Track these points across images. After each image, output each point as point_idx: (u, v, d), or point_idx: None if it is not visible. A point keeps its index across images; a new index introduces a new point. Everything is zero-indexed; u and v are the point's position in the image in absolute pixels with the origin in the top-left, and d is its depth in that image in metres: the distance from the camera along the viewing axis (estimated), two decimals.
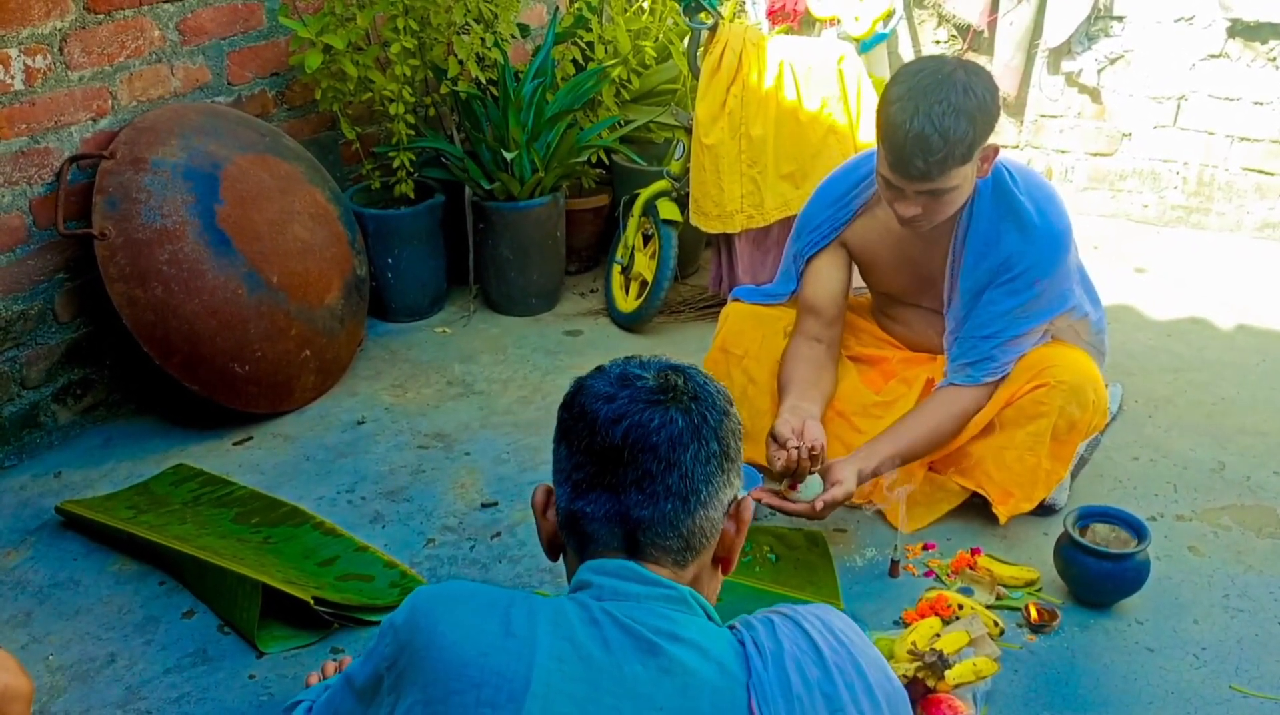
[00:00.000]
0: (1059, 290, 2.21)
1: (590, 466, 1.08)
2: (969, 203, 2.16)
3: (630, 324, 3.37)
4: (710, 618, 1.10)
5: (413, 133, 3.30)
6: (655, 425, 1.06)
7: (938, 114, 1.93)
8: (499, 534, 2.41)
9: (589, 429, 1.08)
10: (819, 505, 2.11)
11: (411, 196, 3.36)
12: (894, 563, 2.24)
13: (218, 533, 2.34)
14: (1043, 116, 4.06)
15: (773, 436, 2.14)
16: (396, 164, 3.29)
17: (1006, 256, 2.16)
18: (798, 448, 2.09)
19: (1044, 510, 2.38)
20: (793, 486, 2.14)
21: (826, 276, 2.39)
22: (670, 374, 1.11)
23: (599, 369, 1.14)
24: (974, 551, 2.26)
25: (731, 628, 1.09)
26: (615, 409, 1.07)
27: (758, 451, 2.49)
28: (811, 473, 2.12)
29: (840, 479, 2.13)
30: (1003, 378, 2.25)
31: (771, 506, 2.15)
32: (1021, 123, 4.09)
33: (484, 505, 2.50)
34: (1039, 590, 2.19)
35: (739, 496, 1.13)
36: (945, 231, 2.21)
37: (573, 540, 1.13)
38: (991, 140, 2.06)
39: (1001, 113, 4.03)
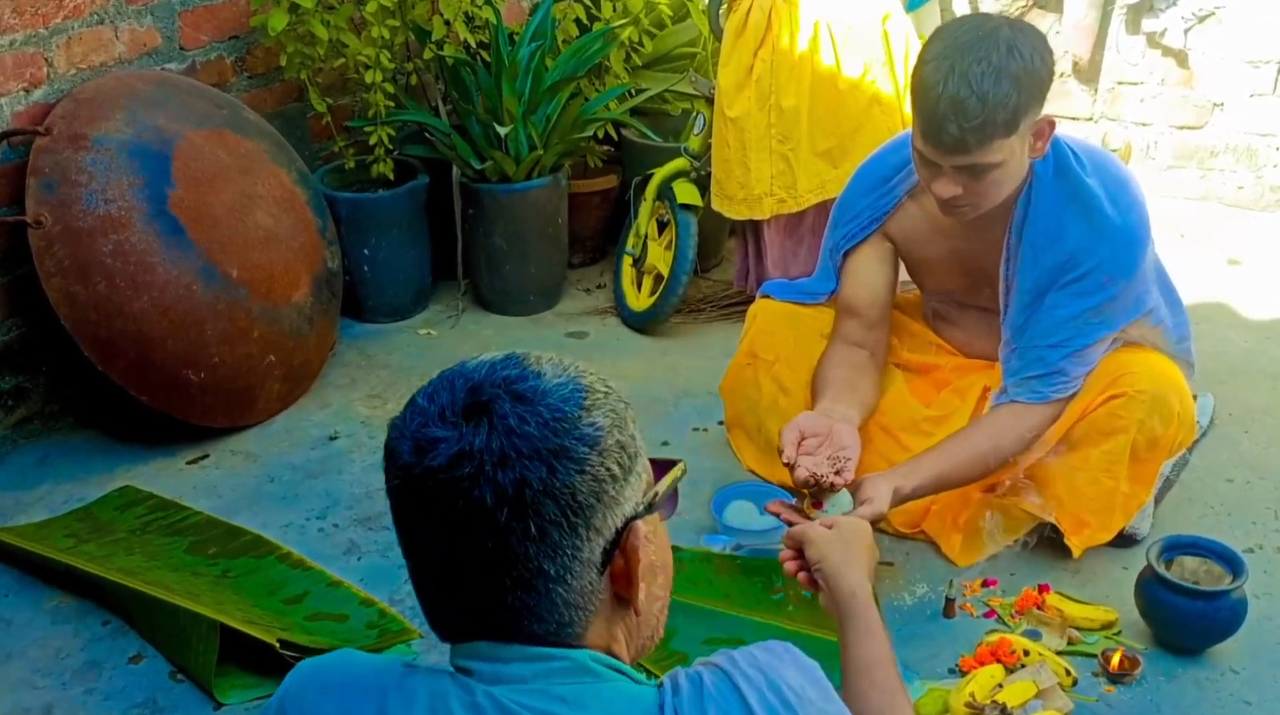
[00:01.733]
0: (1136, 291, 2.20)
1: (415, 562, 1.03)
2: (1025, 188, 2.16)
3: (643, 324, 3.38)
4: (626, 674, 1.04)
5: (392, 104, 3.31)
6: (459, 511, 0.96)
7: (975, 75, 1.93)
8: None
9: (399, 511, 1.03)
10: None
11: (391, 178, 3.37)
12: (949, 601, 2.24)
13: (169, 565, 2.35)
14: (1120, 84, 4.05)
15: (780, 436, 2.13)
16: (373, 140, 3.29)
17: (1072, 252, 2.16)
18: (789, 464, 2.08)
19: (1123, 541, 2.37)
20: (816, 504, 2.13)
21: (867, 273, 2.39)
22: (472, 420, 0.98)
23: (410, 404, 1.04)
24: (1042, 589, 2.25)
25: (659, 686, 1.03)
26: (413, 491, 0.99)
27: (786, 472, 2.49)
28: (837, 489, 2.10)
29: (871, 497, 2.10)
30: (1074, 394, 2.24)
31: (791, 524, 2.14)
32: (1096, 91, 4.08)
33: None
34: (1118, 634, 2.18)
35: (628, 524, 1.01)
36: (999, 221, 2.20)
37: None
38: (1050, 112, 2.05)
39: (1073, 80, 4.05)
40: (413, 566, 1.04)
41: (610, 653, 1.04)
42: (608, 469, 0.99)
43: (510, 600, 0.98)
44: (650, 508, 1.05)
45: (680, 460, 1.12)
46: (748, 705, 0.99)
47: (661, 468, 1.10)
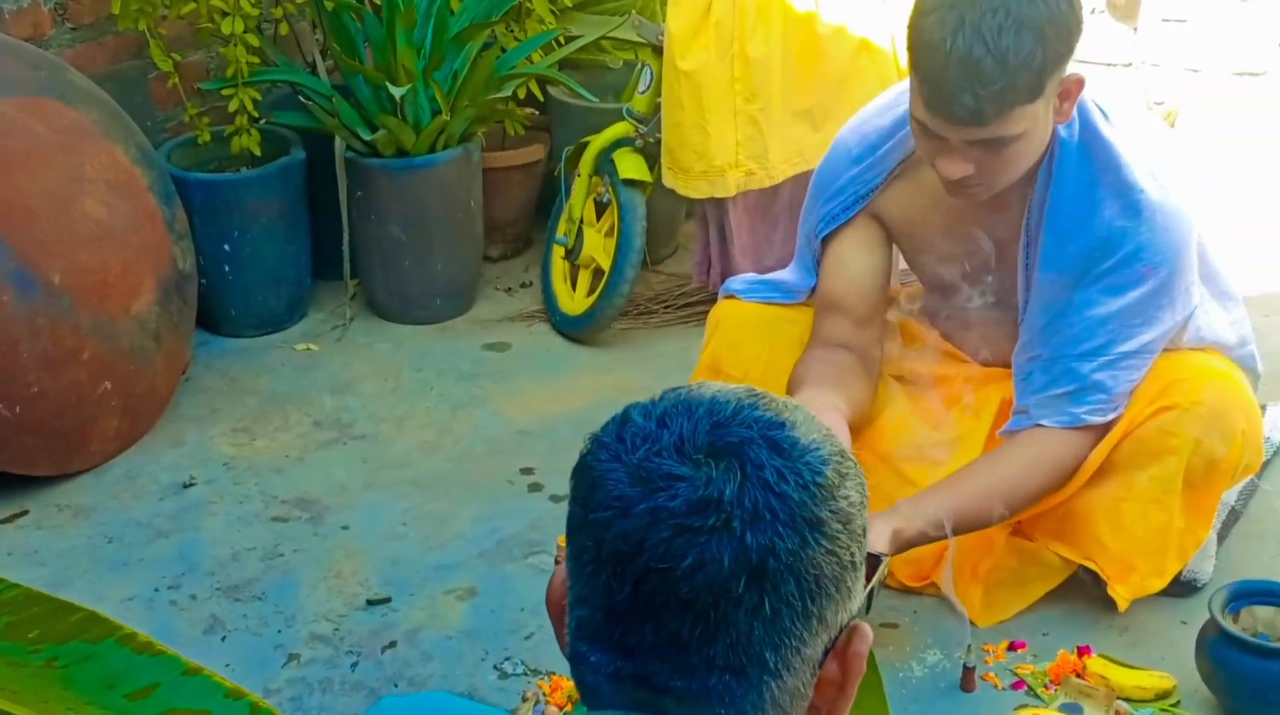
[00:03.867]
0: (1180, 285, 2.23)
1: (597, 602, 1.03)
2: (1047, 157, 2.18)
3: (579, 330, 3.38)
4: None
5: (256, 60, 3.29)
6: (686, 568, 0.99)
7: (991, 28, 1.95)
8: (393, 644, 2.40)
9: (595, 547, 1.03)
10: None
11: (257, 153, 3.35)
12: (967, 671, 2.25)
13: None
14: (1165, 21, 4.10)
15: None
16: (234, 107, 3.27)
17: (1105, 234, 2.18)
18: None
19: (1180, 589, 2.39)
20: None
21: (854, 261, 2.40)
22: (721, 462, 1.00)
23: (624, 422, 1.05)
24: (1082, 651, 2.27)
25: None
26: (628, 530, 1.00)
27: None
28: None
29: None
30: (1116, 418, 2.26)
31: None
32: (1136, 29, 4.13)
33: (370, 602, 2.50)
34: (1176, 704, 2.20)
35: (850, 623, 1.06)
36: (1016, 197, 2.22)
37: (576, 682, 1.11)
38: (1085, 61, 2.08)
39: (1108, 15, 4.10)
40: (590, 619, 1.04)
41: None
42: (852, 554, 1.01)
43: (714, 683, 0.99)
44: (868, 608, 1.12)
45: (884, 555, 1.20)
46: None
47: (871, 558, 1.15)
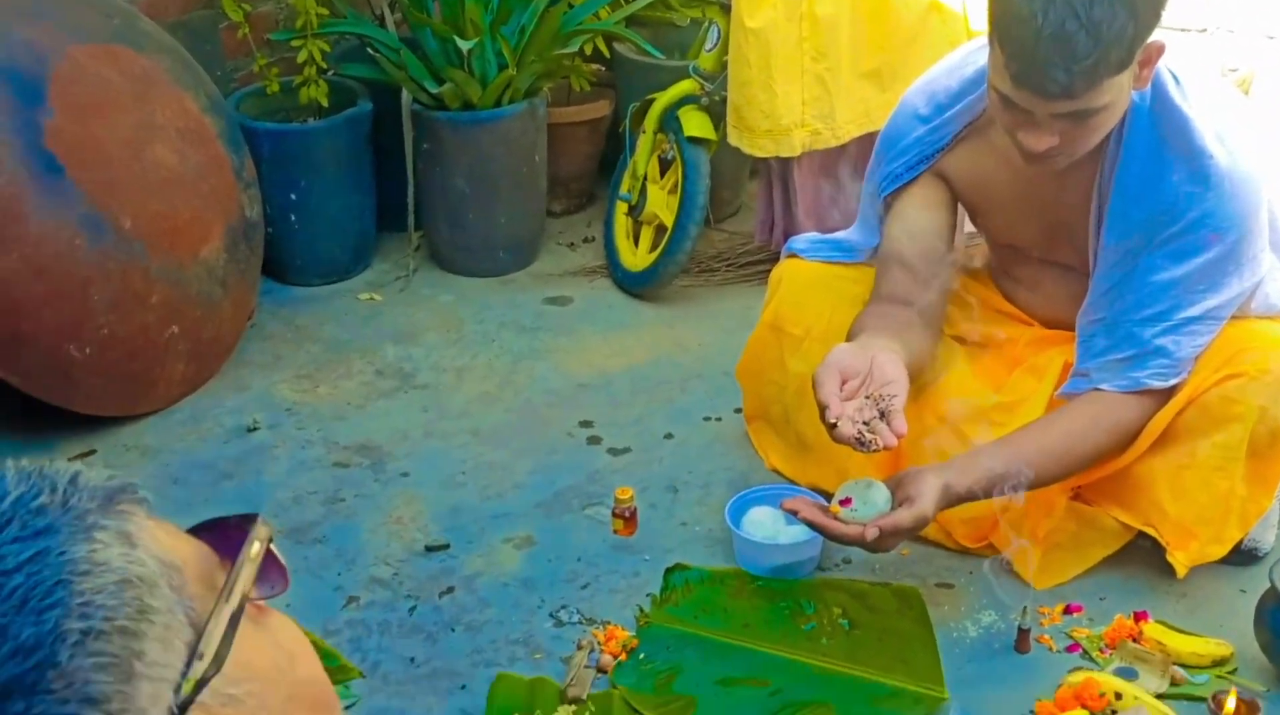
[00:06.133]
0: (1247, 252, 2.21)
1: None
2: (1121, 124, 2.16)
3: (641, 287, 3.38)
4: None
5: (326, 12, 3.31)
6: None
7: (1084, 1, 1.93)
8: (451, 589, 2.42)
9: None
10: (871, 532, 2.10)
11: (324, 104, 3.37)
12: (1023, 633, 2.25)
13: None
14: None
15: (816, 387, 2.10)
16: (303, 58, 3.29)
17: (1172, 199, 2.16)
18: (833, 422, 2.05)
19: (1241, 557, 2.38)
20: (845, 501, 2.14)
21: (920, 220, 2.39)
22: None
23: None
24: (1139, 617, 2.26)
25: None
26: None
27: (822, 472, 2.51)
28: (884, 446, 2.09)
29: (915, 496, 2.11)
30: (1179, 384, 2.25)
31: (812, 525, 2.16)
32: None
33: (429, 548, 2.52)
34: (1233, 672, 2.19)
35: None
36: (1087, 161, 2.20)
37: None
38: (1161, 27, 2.06)
39: None
40: None
41: None
42: (84, 696, 0.71)
43: None
44: (221, 653, 0.77)
45: (257, 515, 0.85)
46: None
47: (230, 533, 0.84)
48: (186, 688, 0.74)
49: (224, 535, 0.82)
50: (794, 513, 2.18)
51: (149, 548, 0.76)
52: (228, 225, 3.05)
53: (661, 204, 3.37)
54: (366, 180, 3.46)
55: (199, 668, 0.75)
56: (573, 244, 3.68)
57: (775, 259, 2.80)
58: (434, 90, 3.33)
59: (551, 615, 2.36)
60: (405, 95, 3.37)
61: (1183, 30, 4.07)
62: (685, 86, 3.31)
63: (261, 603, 0.84)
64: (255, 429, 2.90)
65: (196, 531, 0.83)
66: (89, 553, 0.72)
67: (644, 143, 3.38)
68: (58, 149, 2.72)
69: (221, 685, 0.76)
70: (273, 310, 3.35)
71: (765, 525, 2.44)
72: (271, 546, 0.83)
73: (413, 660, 2.27)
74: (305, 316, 3.34)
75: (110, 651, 0.71)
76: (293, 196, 3.35)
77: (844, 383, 2.13)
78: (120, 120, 2.85)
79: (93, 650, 0.70)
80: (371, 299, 3.42)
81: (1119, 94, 2.04)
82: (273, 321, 3.31)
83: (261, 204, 3.22)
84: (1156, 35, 2.05)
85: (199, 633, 0.75)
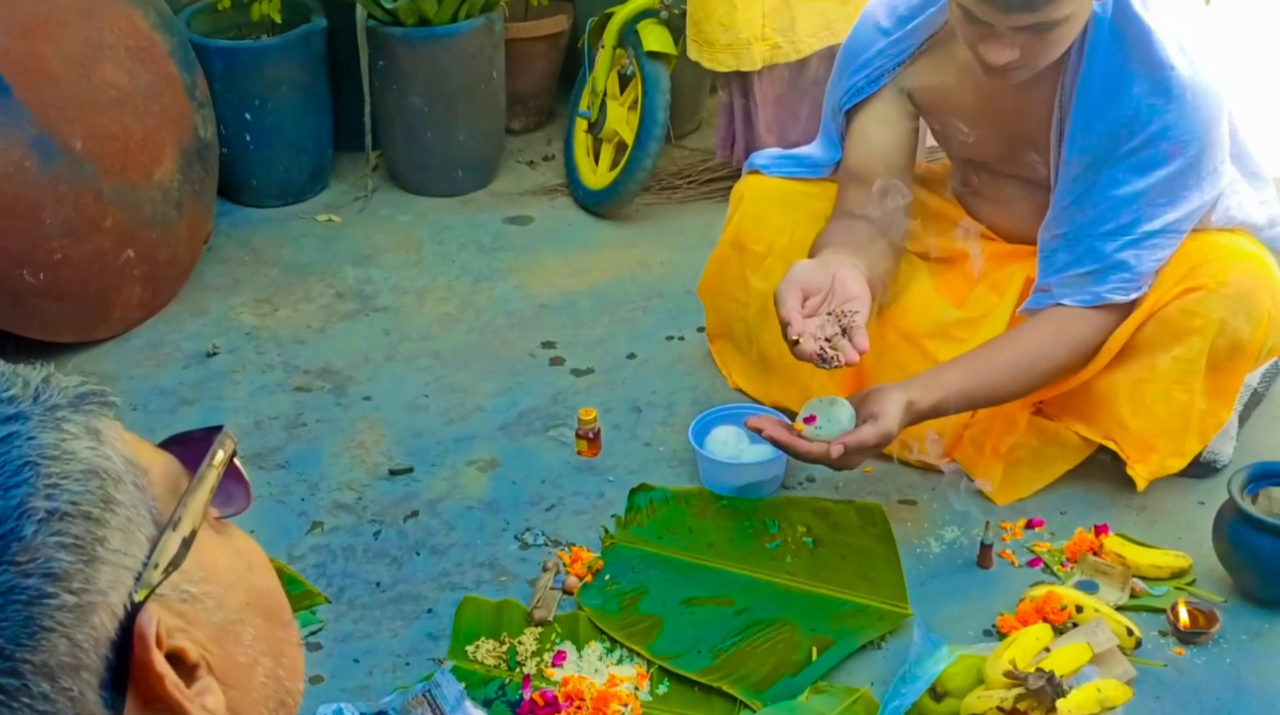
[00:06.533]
0: (1208, 165, 2.21)
1: None
2: (1082, 36, 2.14)
3: (602, 205, 3.36)
4: None
5: None
6: None
7: None
8: (415, 513, 2.42)
9: None
10: (835, 450, 2.11)
11: (278, 20, 3.31)
12: (985, 548, 2.26)
13: None
14: None
15: (778, 304, 2.11)
16: None
17: (1133, 112, 2.15)
18: (795, 338, 2.06)
19: (1200, 470, 2.39)
20: (809, 419, 2.14)
21: (879, 133, 2.38)
22: None
23: None
24: (1099, 530, 2.28)
25: None
26: None
27: (785, 390, 2.51)
28: (847, 362, 2.10)
29: (878, 413, 2.12)
30: (1139, 299, 2.25)
31: (776, 443, 2.17)
32: None
33: (393, 472, 2.52)
34: (1191, 584, 2.21)
35: (126, 623, 0.76)
36: (1049, 74, 2.19)
37: None
38: None
39: None
40: None
41: None
42: (45, 571, 0.74)
43: None
44: (180, 552, 0.80)
45: (222, 426, 0.87)
46: None
47: (196, 446, 0.85)
48: (147, 577, 0.76)
49: (190, 447, 0.84)
50: (758, 431, 2.19)
51: (115, 446, 0.78)
52: (181, 146, 3.01)
53: (621, 121, 3.34)
54: (322, 99, 3.42)
55: (159, 560, 0.77)
56: (532, 162, 3.64)
57: (737, 175, 2.78)
58: (389, 5, 3.28)
59: (516, 538, 2.36)
60: (360, 11, 3.32)
61: None
62: (644, 0, 3.27)
63: (225, 521, 0.86)
64: (214, 354, 2.88)
65: (164, 445, 0.84)
66: (57, 440, 0.75)
67: (603, 58, 3.34)
68: (4, 68, 2.67)
69: (180, 581, 0.78)
70: (229, 232, 3.31)
71: (729, 444, 2.44)
72: (236, 461, 0.86)
73: (378, 585, 2.27)
74: (262, 238, 3.30)
75: (73, 533, 0.73)
76: (247, 116, 3.31)
77: (806, 299, 2.13)
78: (67, 38, 2.80)
79: (56, 530, 0.72)
80: (330, 220, 3.39)
81: (1079, 5, 2.03)
82: (229, 244, 3.27)
83: (215, 124, 3.18)
84: None
85: (160, 530, 0.78)
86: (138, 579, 0.76)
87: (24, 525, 0.72)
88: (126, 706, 0.76)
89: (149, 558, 0.77)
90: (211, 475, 0.83)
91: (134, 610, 0.76)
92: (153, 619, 0.76)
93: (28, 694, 0.72)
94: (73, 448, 0.76)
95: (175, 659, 0.77)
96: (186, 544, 0.79)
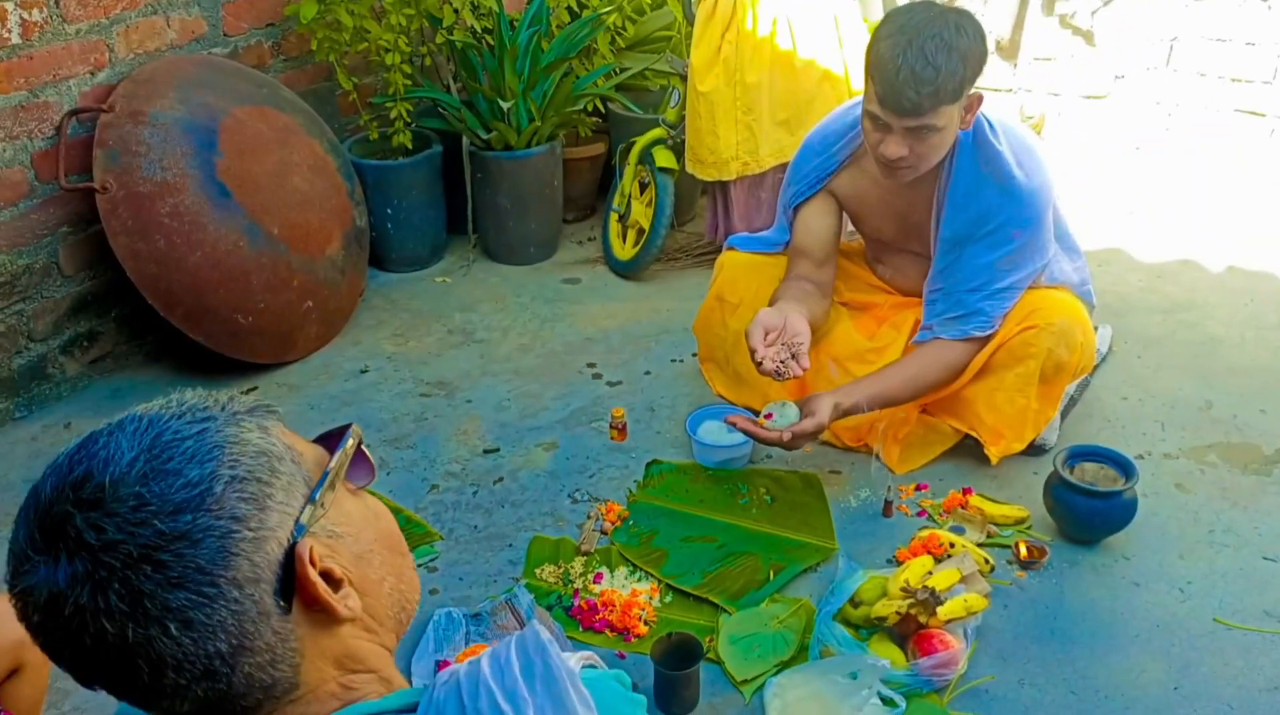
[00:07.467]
0: (1040, 242, 2.20)
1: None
2: (951, 154, 2.14)
3: (628, 271, 3.36)
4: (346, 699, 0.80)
5: (409, 83, 3.26)
6: (90, 652, 0.73)
7: (931, 49, 1.92)
8: (501, 479, 2.42)
9: None
10: (787, 436, 2.11)
11: (409, 147, 3.33)
12: (888, 503, 2.26)
13: None
14: (1036, 59, 4.00)
15: (748, 338, 2.13)
16: (394, 114, 3.25)
17: (986, 207, 2.15)
18: (759, 361, 2.07)
19: (1034, 450, 2.38)
20: (768, 416, 2.15)
21: (816, 223, 2.38)
22: (48, 537, 0.73)
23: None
24: (966, 491, 2.27)
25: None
26: (36, 637, 0.75)
27: (752, 396, 2.51)
28: (797, 375, 2.11)
29: (815, 411, 2.13)
30: (993, 334, 2.25)
31: (745, 432, 2.17)
32: (1015, 65, 4.03)
33: (486, 451, 2.51)
34: (1029, 528, 2.20)
35: (289, 551, 0.77)
36: (929, 181, 2.19)
37: None
38: (981, 86, 2.04)
39: (995, 56, 4.00)
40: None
41: (349, 670, 0.81)
42: (232, 515, 0.74)
43: (201, 692, 0.75)
44: (324, 502, 0.81)
45: (351, 424, 0.87)
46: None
47: (336, 438, 0.86)
48: (302, 519, 0.78)
49: (331, 440, 0.86)
50: (733, 425, 2.18)
51: (278, 437, 0.80)
52: (345, 231, 3.03)
53: (641, 213, 3.35)
54: (439, 199, 3.42)
55: (309, 508, 0.79)
56: (581, 242, 3.65)
57: (719, 251, 2.79)
58: (484, 137, 3.30)
59: (569, 495, 2.36)
60: (464, 140, 3.34)
61: (995, 89, 4.05)
62: (657, 132, 3.28)
63: (360, 490, 0.88)
64: (366, 371, 2.89)
65: (315, 440, 0.87)
66: (237, 432, 0.78)
67: (629, 171, 3.35)
68: (227, 180, 2.69)
69: (327, 524, 0.81)
70: (376, 289, 3.32)
71: (714, 432, 2.44)
72: (363, 448, 0.88)
73: (476, 527, 2.28)
74: (398, 293, 3.31)
75: (249, 491, 0.75)
76: (389, 210, 3.32)
77: (767, 334, 2.13)
78: (269, 159, 2.82)
79: (237, 489, 0.75)
80: (444, 281, 3.40)
81: (950, 122, 2.02)
82: (376, 297, 3.28)
83: (367, 216, 3.20)
84: (978, 90, 2.04)
85: (312, 489, 0.80)
86: (296, 522, 0.78)
87: (215, 485, 0.74)
88: (294, 607, 0.78)
89: (303, 508, 0.79)
90: (343, 456, 0.84)
91: (294, 541, 0.77)
92: (307, 546, 0.77)
93: (224, 598, 0.74)
94: (247, 437, 0.78)
95: (327, 576, 0.79)
96: (327, 500, 0.81)
